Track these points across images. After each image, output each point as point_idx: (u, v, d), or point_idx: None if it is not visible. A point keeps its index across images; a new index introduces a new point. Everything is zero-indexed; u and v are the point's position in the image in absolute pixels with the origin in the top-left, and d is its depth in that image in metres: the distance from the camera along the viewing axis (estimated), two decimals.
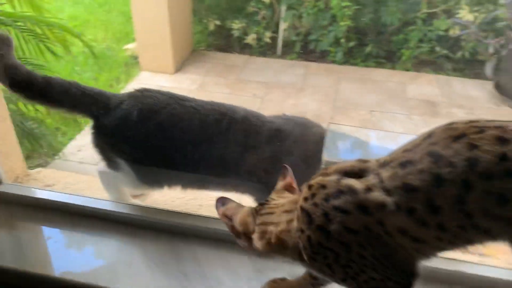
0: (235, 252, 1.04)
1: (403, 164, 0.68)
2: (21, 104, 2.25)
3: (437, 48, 3.91)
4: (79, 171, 2.51)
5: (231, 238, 1.03)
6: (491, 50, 3.31)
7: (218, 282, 0.99)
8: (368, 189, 0.69)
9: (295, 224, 0.74)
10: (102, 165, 1.34)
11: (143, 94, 1.29)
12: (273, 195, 0.83)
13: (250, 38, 4.19)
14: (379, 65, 4.05)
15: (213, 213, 0.90)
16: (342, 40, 4.04)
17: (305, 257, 0.74)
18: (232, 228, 0.81)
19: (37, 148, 2.49)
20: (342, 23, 3.95)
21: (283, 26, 4.19)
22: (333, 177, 0.72)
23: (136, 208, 1.15)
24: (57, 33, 2.40)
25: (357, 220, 0.69)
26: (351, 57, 4.12)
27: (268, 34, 4.20)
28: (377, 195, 0.68)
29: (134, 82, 3.66)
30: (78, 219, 1.12)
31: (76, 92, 1.22)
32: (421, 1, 3.89)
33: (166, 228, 1.08)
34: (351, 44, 4.09)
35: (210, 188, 1.38)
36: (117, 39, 4.34)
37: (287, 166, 0.85)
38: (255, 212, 0.79)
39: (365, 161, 0.74)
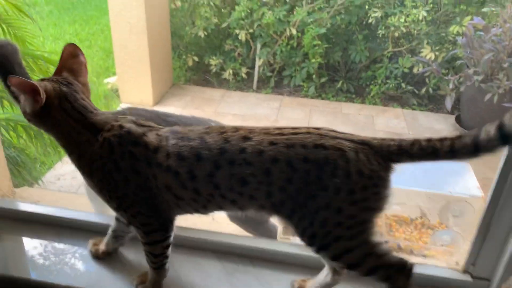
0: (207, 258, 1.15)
1: (183, 138, 0.90)
2: (3, 131, 2.33)
3: (403, 84, 4.17)
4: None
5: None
6: (451, 86, 3.56)
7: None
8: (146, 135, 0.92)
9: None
10: None
11: (130, 112, 1.40)
12: None
13: (227, 74, 4.38)
14: (349, 99, 4.27)
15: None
16: (314, 76, 4.27)
17: (90, 172, 0.94)
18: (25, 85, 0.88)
19: (17, 175, 2.54)
20: (313, 60, 4.19)
21: (258, 62, 4.40)
22: (131, 124, 0.94)
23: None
24: (41, 64, 2.52)
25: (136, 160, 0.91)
26: (322, 92, 4.35)
27: (244, 69, 4.40)
28: (152, 139, 0.91)
29: None
30: (62, 231, 1.21)
31: None
32: (387, 41, 4.17)
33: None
34: (323, 79, 4.32)
35: None
36: (97, 73, 4.47)
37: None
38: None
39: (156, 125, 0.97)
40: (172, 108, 3.95)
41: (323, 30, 4.08)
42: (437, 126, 3.88)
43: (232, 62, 4.41)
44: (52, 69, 2.63)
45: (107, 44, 5.15)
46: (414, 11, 3.96)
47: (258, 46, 4.36)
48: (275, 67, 4.42)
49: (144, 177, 0.91)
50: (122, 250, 1.17)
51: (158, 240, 1.00)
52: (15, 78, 0.85)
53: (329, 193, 0.86)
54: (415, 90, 4.18)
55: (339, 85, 4.30)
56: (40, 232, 1.23)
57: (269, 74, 4.43)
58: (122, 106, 3.82)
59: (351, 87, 4.32)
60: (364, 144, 0.88)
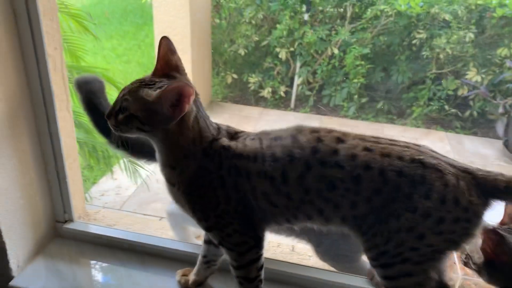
0: None
1: (275, 138, 0.86)
2: None
3: (446, 107, 4.07)
4: None
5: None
6: (501, 110, 3.46)
7: None
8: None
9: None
10: (171, 206, 1.39)
11: None
12: None
13: (266, 92, 4.34)
14: (389, 120, 4.19)
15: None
16: (355, 96, 4.20)
17: (189, 189, 0.88)
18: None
19: None
20: (355, 80, 4.13)
21: (297, 81, 4.36)
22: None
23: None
24: None
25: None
26: (362, 112, 4.27)
27: (283, 88, 4.36)
28: (250, 146, 0.87)
29: None
30: (146, 258, 1.16)
31: None
32: (431, 62, 4.09)
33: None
34: (363, 100, 4.25)
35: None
36: None
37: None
38: None
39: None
40: None
41: (366, 50, 4.03)
42: (483, 151, 3.76)
43: (271, 80, 4.37)
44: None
45: (145, 60, 5.19)
46: (461, 32, 3.88)
47: (298, 64, 4.33)
48: (315, 86, 4.37)
49: (243, 192, 0.86)
50: (211, 281, 1.11)
51: (252, 260, 0.93)
52: (171, 86, 0.78)
53: (417, 215, 0.79)
54: (459, 113, 4.07)
55: (379, 105, 4.23)
56: (123, 258, 1.18)
57: (308, 93, 4.38)
58: None
59: (392, 108, 4.24)
60: (467, 173, 0.81)
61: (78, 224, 1.22)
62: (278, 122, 4.13)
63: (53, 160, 1.17)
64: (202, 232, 1.55)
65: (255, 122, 4.08)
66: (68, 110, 1.25)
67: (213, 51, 4.32)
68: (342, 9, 4.17)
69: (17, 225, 1.10)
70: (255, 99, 4.44)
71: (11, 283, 1.09)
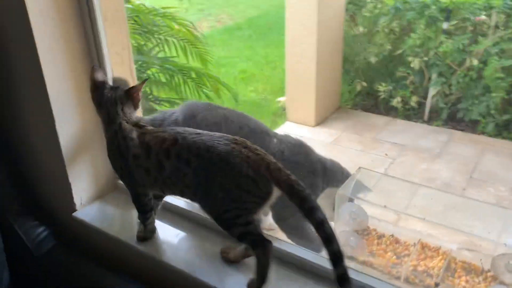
0: None
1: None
2: None
3: None
4: None
5: None
6: None
7: None
8: None
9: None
10: None
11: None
12: None
13: (395, 101, 4.27)
14: None
15: None
16: (494, 112, 3.82)
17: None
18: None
19: None
20: (495, 94, 3.76)
21: (432, 92, 4.17)
22: None
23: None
24: (211, 81, 2.97)
25: None
26: (505, 130, 3.85)
27: (414, 98, 4.22)
28: None
29: (277, 130, 4.09)
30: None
31: None
32: None
33: None
34: (506, 117, 3.83)
35: None
36: (274, 92, 4.90)
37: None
38: None
39: None
40: (332, 130, 4.07)
41: (509, 62, 3.63)
42: None
43: (402, 89, 4.28)
44: (220, 87, 3.08)
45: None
46: None
47: (434, 75, 4.14)
48: (450, 98, 4.11)
49: None
50: None
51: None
52: None
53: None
54: None
55: None
56: (167, 217, 1.48)
57: (442, 105, 4.14)
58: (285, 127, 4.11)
59: None
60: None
61: None
62: (402, 133, 4.04)
63: None
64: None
65: (377, 131, 4.07)
66: None
67: (345, 59, 4.45)
68: (487, 17, 3.84)
69: (81, 174, 1.53)
70: (385, 108, 4.40)
71: (74, 214, 1.53)
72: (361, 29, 4.42)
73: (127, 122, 1.22)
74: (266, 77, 5.43)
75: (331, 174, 1.61)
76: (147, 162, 1.17)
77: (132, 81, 1.64)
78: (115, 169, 1.29)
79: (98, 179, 1.59)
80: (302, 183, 1.03)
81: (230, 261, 1.27)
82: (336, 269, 0.99)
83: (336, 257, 0.99)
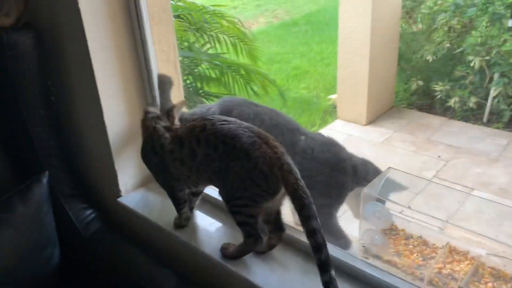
0: None
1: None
2: None
3: None
4: None
5: None
6: None
7: None
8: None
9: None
10: None
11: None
12: None
13: (452, 101, 4.10)
14: None
15: None
16: None
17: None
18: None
19: None
20: None
21: (493, 93, 3.96)
22: None
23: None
24: (259, 78, 3.03)
25: None
26: None
27: (473, 99, 4.03)
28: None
29: (327, 127, 4.08)
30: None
31: None
32: None
33: None
34: None
35: None
36: (326, 90, 4.88)
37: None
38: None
39: None
40: (384, 129, 3.99)
41: None
42: None
43: (460, 89, 4.10)
44: (267, 84, 3.12)
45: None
46: None
47: (496, 75, 3.93)
48: None
49: None
50: None
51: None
52: None
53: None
54: None
55: None
56: (205, 208, 1.56)
57: (503, 107, 3.93)
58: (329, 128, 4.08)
59: None
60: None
61: None
62: (458, 134, 3.88)
63: None
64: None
65: (431, 132, 3.94)
66: (179, 90, 1.75)
67: (401, 57, 4.33)
68: None
69: (127, 163, 1.64)
70: (441, 109, 4.24)
71: (119, 199, 1.65)
72: (418, 26, 4.28)
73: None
74: (319, 74, 5.40)
75: (361, 174, 1.62)
76: (181, 153, 1.24)
77: (177, 77, 1.73)
78: (150, 169, 1.40)
79: (141, 169, 1.69)
80: (308, 191, 1.08)
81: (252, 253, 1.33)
82: (322, 277, 1.04)
83: (323, 265, 1.03)
